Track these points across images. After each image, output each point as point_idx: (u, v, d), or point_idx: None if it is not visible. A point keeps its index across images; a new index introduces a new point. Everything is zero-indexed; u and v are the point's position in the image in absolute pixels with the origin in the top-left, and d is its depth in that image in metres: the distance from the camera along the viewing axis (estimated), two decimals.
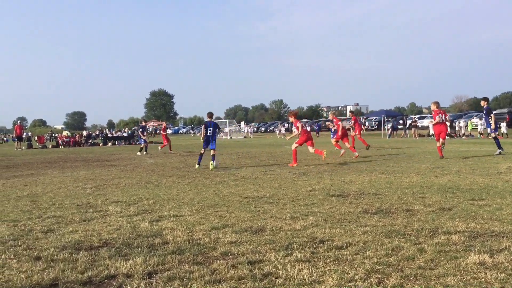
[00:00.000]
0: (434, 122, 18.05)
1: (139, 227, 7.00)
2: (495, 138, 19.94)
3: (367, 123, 67.76)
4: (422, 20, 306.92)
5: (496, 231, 6.11)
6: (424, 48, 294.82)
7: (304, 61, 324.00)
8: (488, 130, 21.28)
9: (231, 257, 5.28)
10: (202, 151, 17.29)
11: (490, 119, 19.63)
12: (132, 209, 8.51)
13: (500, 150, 19.21)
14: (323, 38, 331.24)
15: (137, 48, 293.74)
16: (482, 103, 20.35)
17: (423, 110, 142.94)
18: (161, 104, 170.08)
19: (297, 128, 17.04)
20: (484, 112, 20.53)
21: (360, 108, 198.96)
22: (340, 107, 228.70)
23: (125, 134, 57.73)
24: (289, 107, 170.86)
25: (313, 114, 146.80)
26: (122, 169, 17.55)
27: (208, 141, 17.00)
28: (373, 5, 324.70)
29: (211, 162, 16.40)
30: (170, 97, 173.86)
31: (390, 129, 50.86)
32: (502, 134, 41.18)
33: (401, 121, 56.42)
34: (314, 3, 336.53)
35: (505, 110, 58.93)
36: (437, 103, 18.22)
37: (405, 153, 21.67)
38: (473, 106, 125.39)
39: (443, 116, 17.88)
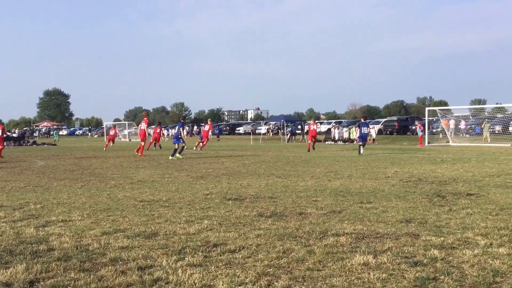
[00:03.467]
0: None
1: (24, 233, 6.61)
2: (361, 145, 25.29)
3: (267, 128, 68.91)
4: (321, 30, 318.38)
5: (381, 232, 6.43)
6: (322, 56, 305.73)
7: (207, 65, 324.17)
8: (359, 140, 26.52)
9: (120, 263, 5.12)
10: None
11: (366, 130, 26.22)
12: (17, 214, 8.02)
13: (359, 153, 24.36)
14: (227, 42, 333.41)
15: (30, 45, 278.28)
16: (363, 119, 27.79)
17: (321, 117, 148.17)
18: (55, 104, 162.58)
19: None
20: (362, 124, 26.48)
21: (261, 112, 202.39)
22: (241, 111, 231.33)
23: (15, 135, 54.52)
24: (190, 110, 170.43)
25: (214, 117, 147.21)
26: (10, 171, 16.53)
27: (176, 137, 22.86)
28: (276, 13, 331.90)
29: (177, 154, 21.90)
30: (66, 97, 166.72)
31: (289, 134, 52.15)
32: (371, 139, 43.59)
33: (299, 126, 58.01)
34: (218, 8, 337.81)
35: (394, 118, 62.42)
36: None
37: (302, 158, 22.29)
38: (366, 114, 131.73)
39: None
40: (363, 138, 25.70)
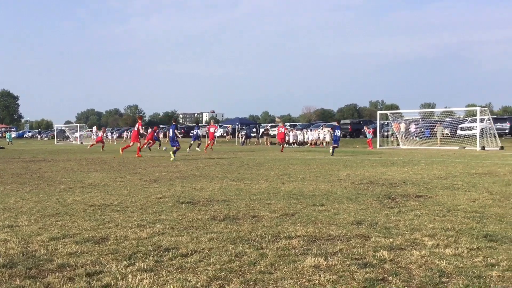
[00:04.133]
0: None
1: None
2: (334, 147, 27.31)
3: (222, 130, 68.74)
4: (277, 33, 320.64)
5: (332, 234, 6.51)
6: (277, 59, 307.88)
7: (161, 66, 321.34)
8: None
9: (68, 269, 5.00)
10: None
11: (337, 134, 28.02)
12: None
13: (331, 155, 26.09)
14: (181, 43, 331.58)
15: None
16: (337, 122, 30.17)
17: (276, 119, 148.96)
18: (4, 106, 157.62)
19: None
20: (336, 127, 28.74)
21: (216, 115, 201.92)
22: (196, 114, 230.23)
23: None
24: (144, 113, 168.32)
25: (169, 120, 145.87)
26: None
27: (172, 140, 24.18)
28: (232, 15, 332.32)
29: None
30: (15, 98, 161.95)
31: (244, 137, 52.21)
32: (326, 142, 44.33)
33: (254, 129, 58.15)
34: (173, 9, 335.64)
35: (347, 121, 63.39)
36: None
37: (256, 161, 22.35)
38: (321, 117, 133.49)
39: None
40: (336, 141, 27.98)
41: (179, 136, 25.82)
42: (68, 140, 73.52)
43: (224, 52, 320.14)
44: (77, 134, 67.43)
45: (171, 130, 24.87)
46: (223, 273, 4.80)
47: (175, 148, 23.77)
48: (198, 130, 37.92)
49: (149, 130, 38.54)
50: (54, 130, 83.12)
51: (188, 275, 4.76)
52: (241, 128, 57.10)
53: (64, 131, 79.76)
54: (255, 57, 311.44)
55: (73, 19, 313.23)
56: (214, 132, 35.62)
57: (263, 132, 54.50)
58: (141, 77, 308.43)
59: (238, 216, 7.94)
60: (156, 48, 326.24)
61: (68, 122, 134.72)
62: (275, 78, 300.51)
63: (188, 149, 33.26)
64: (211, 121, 37.98)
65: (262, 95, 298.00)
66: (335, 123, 30.54)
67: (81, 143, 61.55)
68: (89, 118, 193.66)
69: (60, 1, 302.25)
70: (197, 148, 34.04)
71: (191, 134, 47.45)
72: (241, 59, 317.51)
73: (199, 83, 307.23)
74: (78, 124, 79.78)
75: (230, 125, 68.03)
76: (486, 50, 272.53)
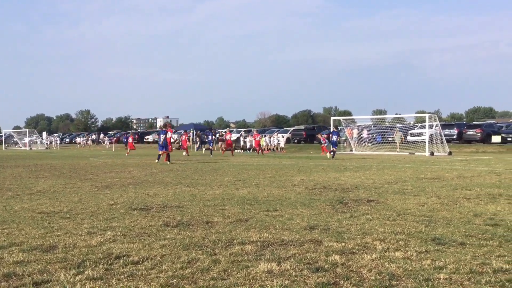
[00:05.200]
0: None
1: None
2: (333, 151, 30.12)
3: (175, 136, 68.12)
4: (232, 38, 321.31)
5: (286, 239, 6.54)
6: (232, 64, 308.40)
7: (114, 71, 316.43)
8: (331, 146, 31.24)
9: (14, 278, 4.83)
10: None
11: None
12: None
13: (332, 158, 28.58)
14: (136, 48, 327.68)
15: None
16: (335, 128, 33.53)
17: (231, 125, 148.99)
18: None
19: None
20: (334, 132, 31.59)
21: (171, 120, 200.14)
22: (150, 119, 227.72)
23: None
24: (97, 118, 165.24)
25: (122, 125, 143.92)
26: None
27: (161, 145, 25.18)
28: (187, 20, 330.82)
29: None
30: None
31: (199, 143, 51.91)
32: (279, 148, 44.72)
33: (209, 135, 57.94)
34: (127, 13, 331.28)
35: (302, 127, 64.05)
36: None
37: (210, 166, 22.27)
38: (276, 123, 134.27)
39: None
40: (334, 144, 30.71)
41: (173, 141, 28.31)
42: (16, 146, 71.41)
43: (179, 57, 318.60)
44: (26, 140, 65.52)
45: (162, 136, 25.38)
46: (175, 280, 4.75)
47: (160, 152, 24.90)
48: (211, 136, 40.01)
49: (130, 139, 39.25)
50: (1, 135, 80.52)
51: (139, 282, 4.68)
52: (195, 134, 56.78)
53: (12, 137, 77.45)
54: (211, 62, 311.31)
55: (24, 22, 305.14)
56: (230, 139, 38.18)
57: (218, 138, 54.37)
58: (93, 81, 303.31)
59: (192, 222, 7.88)
60: (108, 52, 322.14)
61: (17, 127, 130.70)
62: (230, 83, 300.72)
63: (210, 155, 35.55)
64: (227, 129, 41.15)
65: (217, 100, 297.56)
66: (334, 129, 33.61)
67: (31, 148, 59.84)
68: (39, 123, 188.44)
69: (11, 3, 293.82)
70: (204, 151, 36.26)
71: (206, 140, 46.60)
72: (196, 63, 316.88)
73: (153, 88, 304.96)
74: (27, 130, 77.57)
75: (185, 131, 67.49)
76: (435, 58, 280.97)
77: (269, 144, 46.43)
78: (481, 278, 4.76)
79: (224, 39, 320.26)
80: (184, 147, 38.59)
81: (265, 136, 49.69)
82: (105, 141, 69.51)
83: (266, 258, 5.55)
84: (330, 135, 32.11)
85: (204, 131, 59.95)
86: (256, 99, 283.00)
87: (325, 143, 38.93)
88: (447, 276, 4.84)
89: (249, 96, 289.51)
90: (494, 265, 5.20)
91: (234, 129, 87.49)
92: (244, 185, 13.59)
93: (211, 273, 4.99)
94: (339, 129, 42.51)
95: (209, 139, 40.76)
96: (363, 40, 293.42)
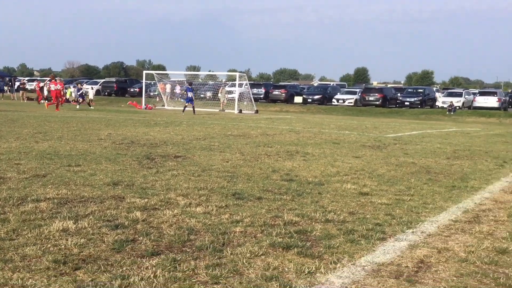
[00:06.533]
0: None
1: None
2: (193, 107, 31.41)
3: None
4: None
5: (86, 196, 6.27)
6: (35, 6, 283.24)
7: None
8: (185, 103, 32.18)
9: None
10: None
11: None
12: None
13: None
14: None
15: None
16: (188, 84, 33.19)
17: (34, 73, 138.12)
18: None
19: None
20: (188, 88, 32.06)
21: None
22: None
23: None
24: None
25: None
26: None
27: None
28: None
29: None
30: None
31: None
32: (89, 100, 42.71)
33: (10, 83, 53.04)
34: None
35: (113, 79, 61.76)
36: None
37: (8, 117, 20.42)
38: (85, 73, 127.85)
39: None
40: (190, 100, 31.57)
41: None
42: None
43: None
44: None
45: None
46: None
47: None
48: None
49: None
50: None
51: None
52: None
53: None
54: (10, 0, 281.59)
55: None
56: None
57: (19, 86, 50.08)
58: None
59: None
60: None
61: None
62: (34, 26, 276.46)
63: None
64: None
65: (18, 45, 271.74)
66: (188, 85, 33.06)
67: None
68: None
69: None
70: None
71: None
72: None
73: None
74: None
75: None
76: (246, 19, 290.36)
77: (76, 96, 44.04)
78: (272, 230, 5.09)
79: None
80: None
81: (74, 86, 47.00)
82: None
83: (62, 216, 5.26)
84: (185, 91, 32.62)
85: (4, 78, 54.73)
86: (64, 47, 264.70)
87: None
88: (243, 230, 5.09)
89: (56, 43, 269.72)
90: (285, 217, 5.60)
91: (38, 77, 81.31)
92: (45, 138, 12.71)
93: None
94: (152, 83, 42.03)
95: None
96: None
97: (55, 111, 26.53)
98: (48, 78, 42.23)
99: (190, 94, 31.70)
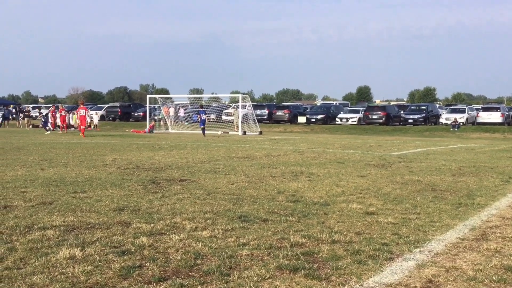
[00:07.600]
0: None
1: None
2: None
3: None
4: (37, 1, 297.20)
5: (92, 223, 6.29)
6: (41, 33, 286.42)
7: None
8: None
9: None
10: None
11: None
12: None
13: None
14: None
15: None
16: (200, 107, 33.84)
17: (39, 100, 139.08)
18: None
19: None
20: (201, 111, 32.14)
21: None
22: None
23: None
24: None
25: None
26: None
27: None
28: None
29: None
30: None
31: (1, 119, 47.63)
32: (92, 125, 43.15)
33: (13, 110, 53.42)
34: None
35: (117, 104, 62.17)
36: None
37: (14, 145, 20.53)
38: (89, 99, 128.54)
39: None
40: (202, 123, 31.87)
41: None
42: None
43: None
44: None
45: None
46: None
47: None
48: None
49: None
50: None
51: None
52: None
53: None
54: (15, 28, 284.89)
55: None
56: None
57: (24, 114, 50.45)
58: None
59: None
60: None
61: None
62: (40, 55, 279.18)
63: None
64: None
65: (23, 73, 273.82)
66: (200, 108, 33.42)
67: None
68: None
69: None
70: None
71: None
72: None
73: None
74: None
75: None
76: (247, 40, 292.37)
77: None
78: (279, 253, 5.09)
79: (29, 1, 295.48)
80: None
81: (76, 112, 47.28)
82: None
83: (69, 243, 5.27)
84: (199, 114, 32.41)
85: (8, 105, 55.14)
86: (68, 74, 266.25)
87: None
88: (249, 253, 5.08)
89: (60, 69, 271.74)
90: (291, 239, 5.59)
91: (43, 105, 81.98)
92: (51, 165, 12.77)
93: (6, 262, 4.59)
94: (156, 107, 42.27)
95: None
96: (181, 17, 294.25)
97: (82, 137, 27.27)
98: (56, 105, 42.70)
99: (204, 116, 31.97)
